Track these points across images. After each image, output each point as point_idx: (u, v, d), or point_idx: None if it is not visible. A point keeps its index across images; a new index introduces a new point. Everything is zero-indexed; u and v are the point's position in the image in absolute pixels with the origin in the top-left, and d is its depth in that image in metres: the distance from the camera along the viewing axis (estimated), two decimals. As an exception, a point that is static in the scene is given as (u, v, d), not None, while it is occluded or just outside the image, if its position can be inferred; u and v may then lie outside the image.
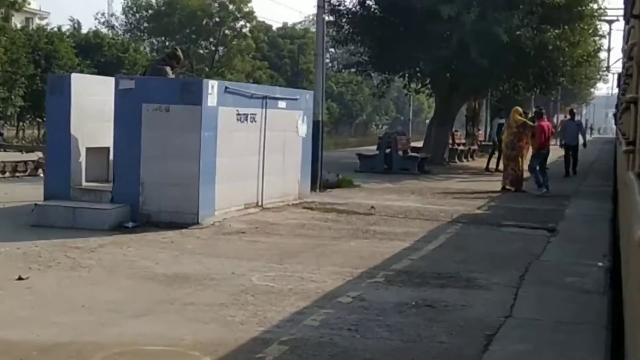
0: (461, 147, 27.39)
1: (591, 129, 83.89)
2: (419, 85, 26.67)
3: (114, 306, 6.09)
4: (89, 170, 10.93)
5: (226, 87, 10.78)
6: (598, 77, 46.25)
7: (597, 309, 6.45)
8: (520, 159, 16.44)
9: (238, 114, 11.07)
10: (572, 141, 21.81)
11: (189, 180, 10.09)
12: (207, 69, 47.48)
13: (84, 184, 10.81)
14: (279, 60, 58.76)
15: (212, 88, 10.29)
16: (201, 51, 51.07)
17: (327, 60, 62.67)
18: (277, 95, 12.48)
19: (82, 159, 10.78)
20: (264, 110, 11.77)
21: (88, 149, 10.86)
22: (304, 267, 7.86)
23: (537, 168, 16.04)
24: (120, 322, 5.67)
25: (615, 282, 7.50)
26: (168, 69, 11.13)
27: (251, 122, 11.47)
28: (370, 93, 32.43)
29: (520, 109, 17.06)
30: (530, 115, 17.13)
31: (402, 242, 9.62)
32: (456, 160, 26.33)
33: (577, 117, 24.48)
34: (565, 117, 61.41)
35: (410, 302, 6.51)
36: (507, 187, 16.62)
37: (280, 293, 6.70)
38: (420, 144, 26.55)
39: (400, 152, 21.36)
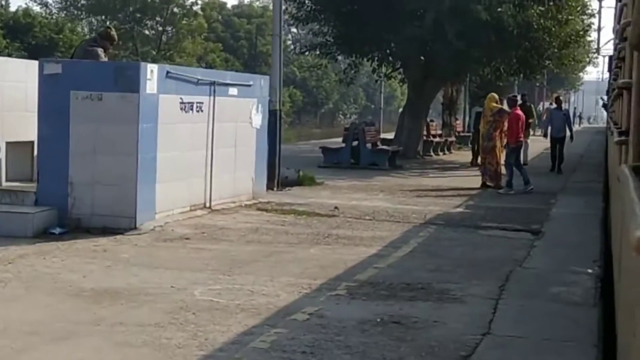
0: (437, 139, 27.38)
1: (580, 117, 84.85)
2: (390, 70, 26.53)
3: (31, 328, 5.82)
4: (10, 168, 10.61)
5: (168, 72, 10.51)
6: (587, 59, 46.64)
7: (587, 323, 6.33)
8: (497, 151, 16.40)
9: (182, 103, 10.82)
10: (558, 133, 21.20)
11: (125, 179, 9.82)
12: (153, 52, 47.03)
13: (4, 183, 10.48)
14: (234, 42, 58.45)
15: (152, 73, 10.02)
16: (147, 32, 50.56)
17: (289, 42, 62.35)
18: (228, 81, 12.24)
19: (2, 155, 10.44)
20: (212, 98, 11.53)
21: (8, 144, 10.53)
22: (255, 278, 7.65)
23: (513, 161, 15.92)
24: (37, 347, 5.41)
25: (608, 291, 7.41)
26: (100, 51, 10.82)
27: (197, 111, 11.22)
28: (336, 79, 32.14)
29: (496, 96, 17.00)
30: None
31: (368, 248, 9.46)
32: (431, 153, 26.31)
33: (564, 106, 24.20)
34: (551, 104, 61.99)
35: (375, 318, 6.33)
36: (488, 183, 16.56)
37: (225, 310, 6.48)
38: (391, 136, 26.50)
39: (369, 145, 21.27)
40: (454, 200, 14.61)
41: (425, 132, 26.09)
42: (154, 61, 39.90)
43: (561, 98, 23.14)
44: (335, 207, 12.65)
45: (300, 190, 15.20)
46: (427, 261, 8.74)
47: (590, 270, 8.37)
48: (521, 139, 16.07)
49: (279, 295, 7.02)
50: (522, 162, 20.85)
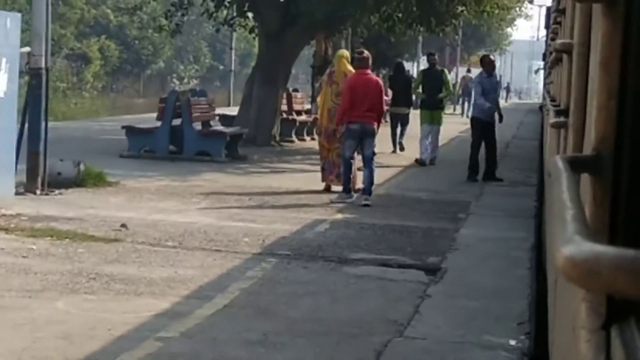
0: (303, 117, 26.29)
1: (507, 90, 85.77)
2: (233, 14, 25.17)
3: None
4: None
5: None
6: (517, 9, 46.65)
7: None
8: None
9: None
10: (487, 115, 18.39)
11: None
12: None
13: None
14: (20, -31, 55.97)
15: None
16: None
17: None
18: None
19: None
20: None
21: None
22: None
23: (349, 154, 14.51)
24: None
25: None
26: None
27: None
28: (156, 26, 30.66)
29: (346, 53, 16.27)
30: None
31: (157, 299, 8.10)
32: (293, 137, 25.23)
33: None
34: (468, 71, 62.00)
35: None
36: (338, 184, 15.52)
37: None
38: (236, 111, 25.25)
39: (198, 126, 20.23)
40: (314, 212, 13.45)
41: (285, 107, 25.09)
42: None
43: (492, 58, 20.88)
44: (123, 225, 11.23)
45: (78, 194, 13.81)
46: (251, 325, 7.42)
47: (513, 342, 7.28)
48: (360, 118, 14.43)
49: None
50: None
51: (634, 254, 1.17)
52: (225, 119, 24.37)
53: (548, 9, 21.86)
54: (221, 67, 69.81)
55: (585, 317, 1.70)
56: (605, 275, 1.16)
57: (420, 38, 45.80)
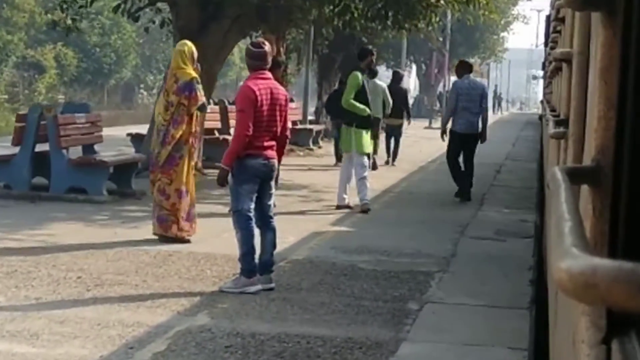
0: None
1: (499, 100, 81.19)
2: (140, 4, 20.48)
3: None
4: None
5: None
6: (511, 9, 42.06)
7: None
8: (182, 169, 11.40)
9: None
10: (471, 126, 16.37)
11: None
12: None
13: None
14: None
15: None
16: None
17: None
18: None
19: None
20: None
21: None
22: None
23: (247, 207, 9.26)
24: None
25: None
26: None
27: None
28: (49, 21, 26.71)
29: (188, 46, 11.37)
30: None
31: None
32: (222, 164, 20.44)
33: (476, 76, 19.40)
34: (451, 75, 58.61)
35: None
36: (159, 232, 11.51)
37: None
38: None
39: (70, 152, 15.46)
40: (168, 305, 8.43)
41: (218, 125, 21.56)
42: None
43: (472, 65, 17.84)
44: None
45: None
46: None
47: None
48: (258, 154, 9.22)
49: None
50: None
51: (632, 266, 1.18)
52: (138, 140, 19.51)
53: (548, 17, 18.71)
54: (192, 76, 65.76)
55: (585, 331, 1.73)
56: (603, 288, 1.18)
57: (405, 42, 41.16)
